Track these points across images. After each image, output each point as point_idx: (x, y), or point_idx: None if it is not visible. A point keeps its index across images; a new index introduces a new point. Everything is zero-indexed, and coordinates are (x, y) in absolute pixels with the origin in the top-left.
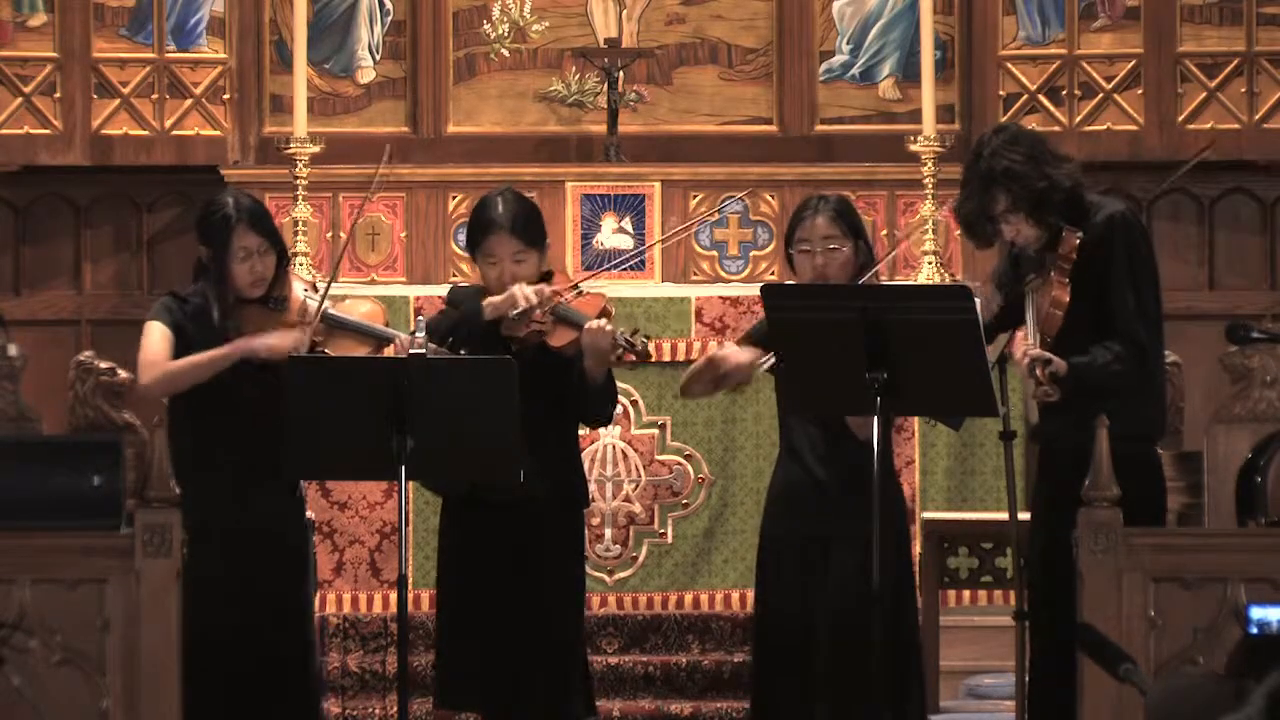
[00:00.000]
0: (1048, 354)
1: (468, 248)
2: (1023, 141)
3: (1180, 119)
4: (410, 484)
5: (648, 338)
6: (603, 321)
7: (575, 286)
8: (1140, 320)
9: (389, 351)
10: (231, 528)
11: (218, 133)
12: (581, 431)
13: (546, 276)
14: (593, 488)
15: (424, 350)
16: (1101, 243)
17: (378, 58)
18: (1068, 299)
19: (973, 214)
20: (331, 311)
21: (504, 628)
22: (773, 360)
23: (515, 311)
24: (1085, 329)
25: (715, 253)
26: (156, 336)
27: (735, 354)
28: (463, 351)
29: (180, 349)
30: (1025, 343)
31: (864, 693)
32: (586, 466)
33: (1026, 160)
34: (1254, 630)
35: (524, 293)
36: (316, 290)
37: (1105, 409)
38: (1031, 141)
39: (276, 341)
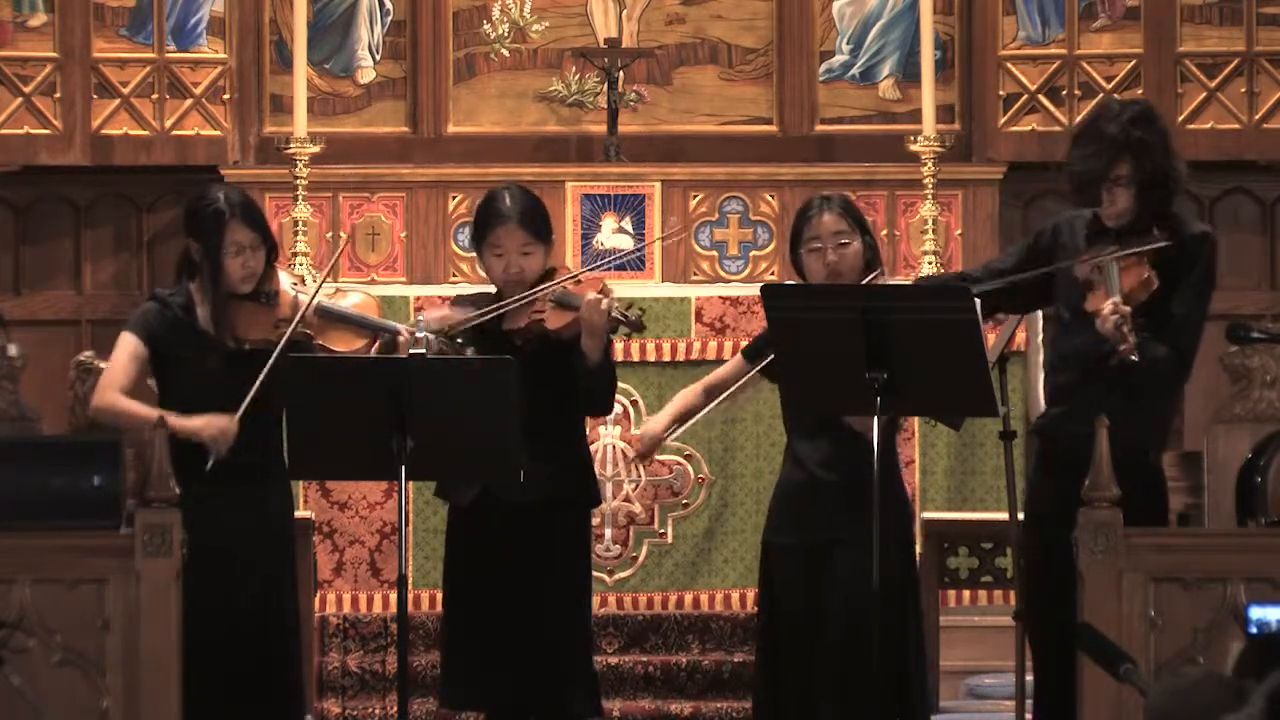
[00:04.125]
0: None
1: (473, 241)
2: (1159, 121)
3: (1180, 119)
4: (410, 484)
5: (642, 310)
6: (599, 295)
7: (574, 276)
8: (1193, 337)
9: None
10: (222, 525)
11: (218, 133)
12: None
13: (550, 273)
14: None
15: (424, 350)
16: (1191, 253)
17: (378, 58)
18: (1157, 285)
19: (1094, 173)
20: (325, 303)
21: (509, 628)
22: (757, 370)
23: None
24: (1142, 322)
25: (715, 253)
26: (124, 356)
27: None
28: (469, 351)
29: (155, 361)
30: (1113, 299)
31: (868, 694)
32: None
33: (1160, 140)
34: (1254, 630)
35: (438, 318)
36: (305, 285)
37: (1113, 415)
38: (1164, 126)
39: (199, 426)
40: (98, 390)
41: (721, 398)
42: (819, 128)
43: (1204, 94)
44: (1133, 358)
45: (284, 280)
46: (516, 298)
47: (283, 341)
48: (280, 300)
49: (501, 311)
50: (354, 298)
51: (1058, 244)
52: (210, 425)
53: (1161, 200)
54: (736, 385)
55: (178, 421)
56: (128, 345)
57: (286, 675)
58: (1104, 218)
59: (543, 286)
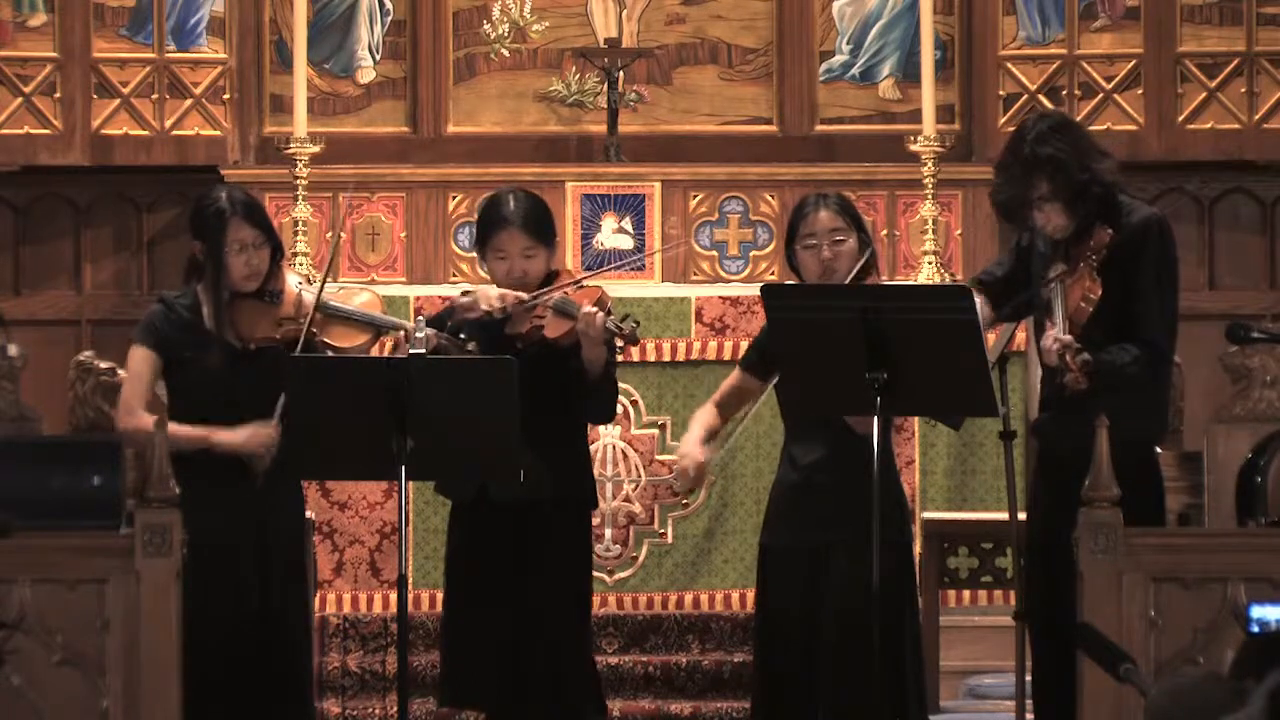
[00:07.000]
0: (1078, 344)
1: (476, 244)
2: (1068, 131)
3: (1180, 119)
4: (410, 484)
5: (637, 323)
6: (594, 309)
7: (576, 281)
8: (1162, 327)
9: (390, 342)
10: (227, 525)
11: (218, 133)
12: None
13: (552, 276)
14: None
15: (424, 350)
16: (1135, 244)
17: (378, 58)
18: (1099, 293)
19: (1013, 199)
20: (327, 300)
21: (509, 627)
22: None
23: (474, 316)
24: (1105, 325)
25: (715, 253)
26: (139, 371)
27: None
28: (471, 346)
29: (168, 365)
30: (1054, 330)
31: (867, 695)
32: None
33: (1071, 150)
34: (1254, 629)
35: (488, 297)
36: (311, 285)
37: (1108, 411)
38: (1076, 132)
39: (243, 439)
40: (121, 415)
41: (748, 414)
42: (819, 128)
43: (1204, 94)
44: (1080, 386)
45: (291, 280)
46: (556, 286)
47: (299, 346)
48: (284, 299)
49: (533, 304)
50: (359, 296)
51: (1033, 250)
52: (253, 438)
53: (1095, 203)
54: (759, 401)
55: (219, 437)
56: (140, 358)
57: (293, 674)
58: (1047, 234)
59: (547, 289)
